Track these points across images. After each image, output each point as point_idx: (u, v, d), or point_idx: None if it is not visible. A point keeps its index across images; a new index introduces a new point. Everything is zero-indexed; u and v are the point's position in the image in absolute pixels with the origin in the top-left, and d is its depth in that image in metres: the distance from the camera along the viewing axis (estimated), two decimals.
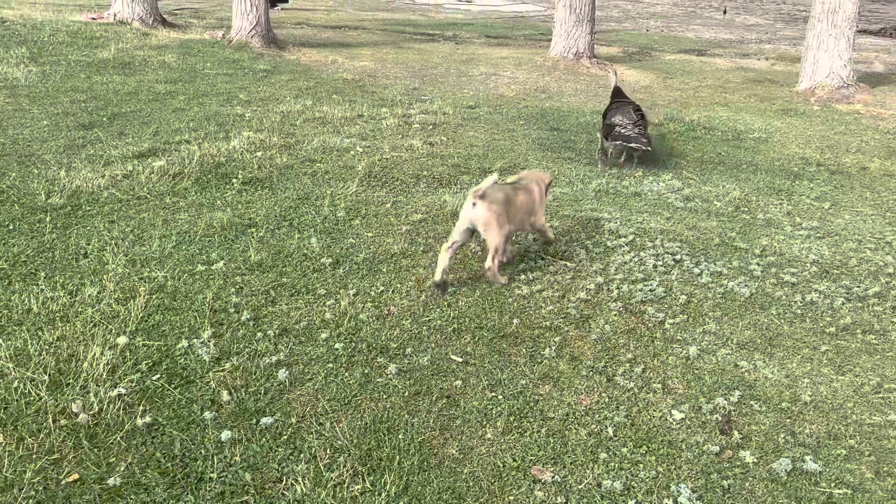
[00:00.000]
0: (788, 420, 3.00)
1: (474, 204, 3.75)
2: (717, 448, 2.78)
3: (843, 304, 4.01)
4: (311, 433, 2.75)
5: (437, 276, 3.84)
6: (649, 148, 6.29)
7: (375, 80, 9.84)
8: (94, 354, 3.09)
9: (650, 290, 4.02)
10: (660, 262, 4.37)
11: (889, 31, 20.65)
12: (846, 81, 10.43)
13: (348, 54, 11.83)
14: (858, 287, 4.23)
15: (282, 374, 3.06)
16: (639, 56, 13.59)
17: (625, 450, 2.75)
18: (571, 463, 2.68)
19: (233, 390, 2.96)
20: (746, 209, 5.49)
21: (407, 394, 3.02)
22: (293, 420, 2.81)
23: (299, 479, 2.51)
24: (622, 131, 6.30)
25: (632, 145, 6.27)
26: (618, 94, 6.82)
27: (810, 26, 10.60)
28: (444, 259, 3.84)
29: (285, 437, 2.71)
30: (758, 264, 4.43)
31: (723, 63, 13.55)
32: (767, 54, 15.09)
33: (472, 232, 3.88)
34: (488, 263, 3.90)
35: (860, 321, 3.84)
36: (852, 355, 3.52)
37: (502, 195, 3.84)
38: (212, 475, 2.52)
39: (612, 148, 6.53)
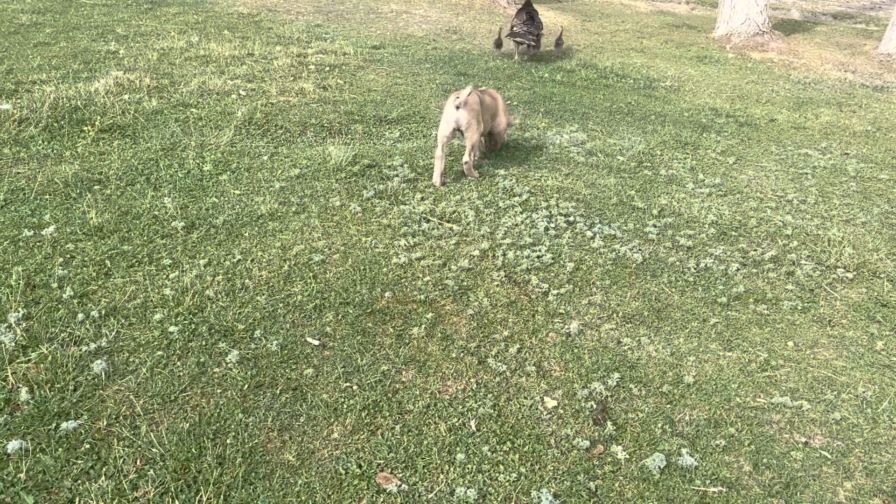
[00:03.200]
0: (668, 405, 2.77)
1: (458, 107, 4.27)
2: (588, 443, 2.52)
3: (738, 269, 3.81)
4: (122, 440, 2.34)
5: (437, 181, 4.44)
6: (532, 43, 8.04)
7: (275, 16, 9.11)
8: None
9: (538, 257, 3.71)
10: (552, 225, 4.07)
11: None
12: (762, 28, 10.30)
13: None
14: (755, 251, 4.04)
15: (98, 365, 2.62)
16: None
17: (486, 448, 2.46)
18: (424, 467, 2.37)
19: (35, 386, 2.51)
20: (650, 164, 5.23)
21: (246, 387, 2.63)
22: (102, 423, 2.39)
23: (95, 499, 2.11)
24: (514, 29, 8.13)
25: (517, 39, 8.02)
26: (528, 3, 8.31)
27: None
28: (439, 165, 4.42)
29: (88, 446, 2.30)
30: (654, 226, 4.18)
31: (643, 6, 13.25)
32: None
33: (456, 130, 4.40)
34: (466, 158, 4.50)
35: (753, 289, 3.65)
36: (742, 328, 3.32)
37: (478, 99, 4.44)
38: None
39: (506, 41, 8.28)
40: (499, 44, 8.26)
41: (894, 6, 10.08)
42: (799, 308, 3.52)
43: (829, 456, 2.59)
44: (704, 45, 10.18)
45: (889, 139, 6.52)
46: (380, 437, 2.47)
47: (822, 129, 6.64)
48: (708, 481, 2.43)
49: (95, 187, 4.01)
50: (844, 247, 4.18)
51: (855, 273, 3.90)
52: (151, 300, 3.05)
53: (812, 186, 5.14)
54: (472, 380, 2.80)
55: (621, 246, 3.91)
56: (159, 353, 2.75)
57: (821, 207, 4.78)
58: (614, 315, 3.31)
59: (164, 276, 3.23)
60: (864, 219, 4.64)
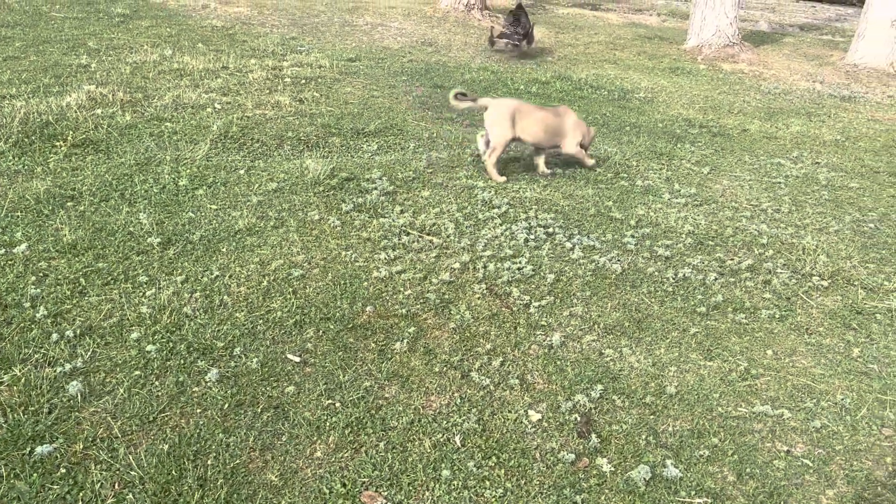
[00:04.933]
0: (652, 416, 2.77)
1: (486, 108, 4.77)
2: (573, 456, 2.51)
3: (716, 279, 3.85)
4: (99, 463, 2.28)
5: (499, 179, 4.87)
6: (516, 43, 9.13)
7: (249, 29, 9.07)
8: None
9: (518, 269, 3.72)
10: (531, 237, 4.08)
11: None
12: (732, 40, 10.47)
13: None
14: (732, 260, 4.08)
15: (73, 386, 2.56)
16: (533, 9, 13.24)
17: (472, 463, 2.44)
18: (409, 484, 2.34)
19: (8, 410, 2.45)
20: (626, 175, 5.27)
21: (227, 406, 2.59)
22: (78, 447, 2.34)
23: None
24: (503, 30, 9.26)
25: (503, 39, 9.14)
26: (519, 7, 9.37)
27: None
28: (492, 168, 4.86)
29: (64, 471, 2.24)
30: (632, 236, 4.21)
31: (615, 18, 13.41)
32: (659, 10, 15.10)
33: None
34: (485, 157, 4.85)
35: (731, 298, 3.68)
36: (721, 337, 3.35)
37: (511, 109, 4.76)
38: None
39: (497, 41, 9.26)
40: (492, 42, 9.34)
41: (859, 18, 10.31)
42: (777, 316, 3.56)
43: (811, 464, 2.61)
44: (676, 56, 10.32)
45: (858, 148, 6.65)
46: (364, 454, 2.44)
47: (793, 139, 6.75)
48: (693, 493, 2.43)
49: (68, 203, 3.94)
50: (819, 255, 4.24)
51: (830, 281, 3.96)
52: (128, 318, 2.99)
53: (785, 195, 5.21)
54: (455, 394, 2.79)
55: (600, 257, 3.93)
56: (137, 372, 2.69)
57: (794, 216, 4.85)
58: (595, 326, 3.32)
59: (141, 294, 3.17)
60: (837, 227, 4.72)
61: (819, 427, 2.80)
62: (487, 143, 4.86)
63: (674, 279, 3.80)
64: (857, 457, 2.67)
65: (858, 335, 3.48)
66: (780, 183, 5.47)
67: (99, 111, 5.36)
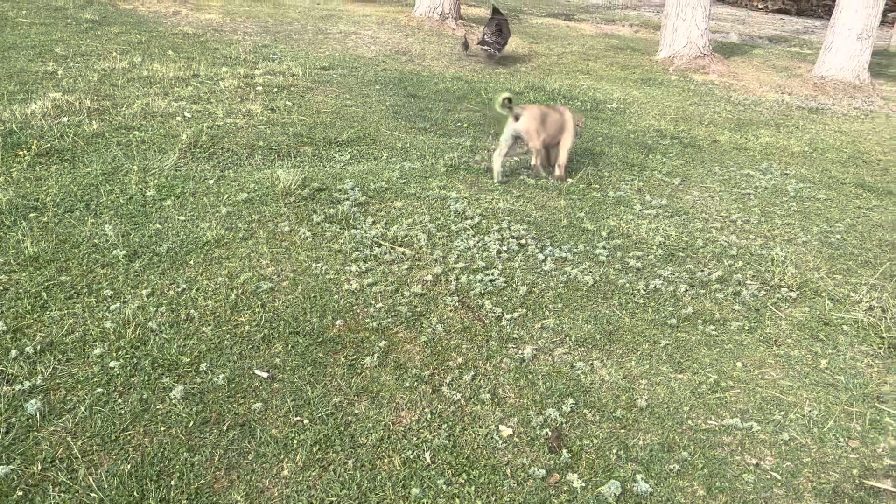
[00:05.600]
0: (623, 430, 2.77)
1: (517, 118, 4.89)
2: (544, 472, 2.50)
3: (686, 290, 3.87)
4: (58, 485, 2.22)
5: (497, 179, 5.05)
6: (491, 49, 9.32)
7: (220, 36, 8.98)
8: None
9: (490, 281, 3.70)
10: (504, 248, 4.07)
11: (744, 2, 21.55)
12: (703, 51, 10.61)
13: (194, 5, 10.80)
14: (702, 271, 4.11)
15: (32, 405, 2.49)
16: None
17: (441, 481, 2.42)
18: (378, 503, 2.31)
19: None
20: (598, 186, 5.30)
21: (192, 423, 2.54)
22: (37, 468, 2.27)
23: None
24: (484, 37, 9.40)
25: (483, 46, 9.35)
26: (496, 11, 9.52)
27: None
28: (497, 164, 5.06)
29: (21, 493, 2.17)
30: (604, 248, 4.22)
31: (588, 29, 13.53)
32: (632, 21, 15.26)
33: (517, 139, 4.99)
34: (533, 162, 5.19)
35: (701, 310, 3.70)
36: (692, 349, 3.36)
37: (539, 112, 4.97)
38: None
39: (475, 48, 9.61)
40: (466, 46, 9.70)
41: (826, 31, 10.51)
42: (746, 328, 3.58)
43: (780, 477, 2.62)
44: (648, 67, 10.42)
45: (825, 159, 6.76)
46: (332, 472, 2.41)
47: (762, 150, 6.84)
48: None
49: (31, 214, 3.85)
50: (787, 266, 4.28)
51: (798, 292, 4.00)
52: (91, 334, 2.92)
53: (755, 207, 5.27)
54: (426, 410, 2.76)
55: (572, 268, 3.93)
56: (99, 389, 2.63)
57: (764, 227, 4.90)
58: (567, 339, 3.32)
59: (105, 308, 3.10)
60: (805, 238, 4.78)
61: (787, 440, 2.82)
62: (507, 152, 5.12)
63: (645, 291, 3.81)
64: (824, 469, 2.69)
65: (826, 347, 3.51)
66: (749, 194, 5.53)
67: (65, 119, 5.26)
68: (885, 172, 6.52)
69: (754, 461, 2.69)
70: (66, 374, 2.69)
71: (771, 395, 3.10)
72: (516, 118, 4.89)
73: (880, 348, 3.53)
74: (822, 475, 2.66)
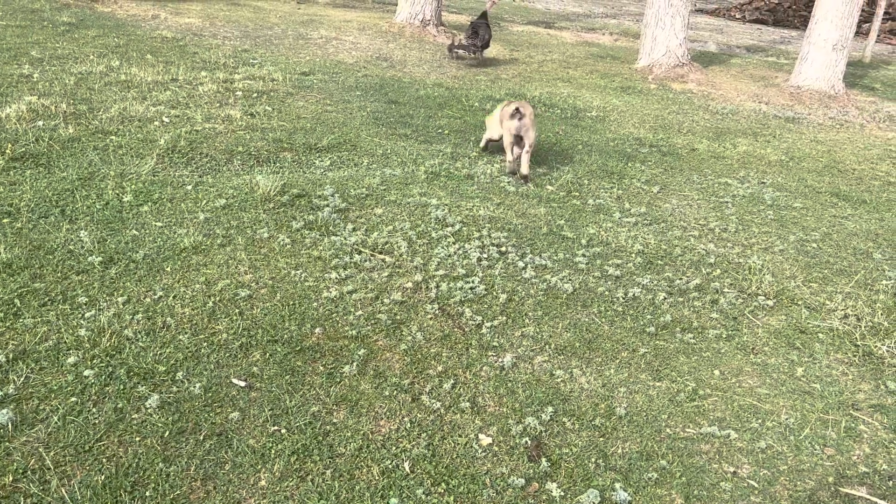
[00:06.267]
0: (602, 439, 2.77)
1: (521, 117, 5.16)
2: (523, 481, 2.50)
3: (665, 298, 3.89)
4: (30, 496, 2.18)
5: (514, 170, 5.44)
6: (468, 52, 9.79)
7: (200, 40, 8.92)
8: None
9: (471, 289, 3.70)
10: (484, 256, 4.07)
11: (722, 12, 21.83)
12: (681, 60, 10.71)
13: (174, 9, 10.72)
14: (680, 279, 4.14)
15: (3, 415, 2.44)
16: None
17: (420, 490, 2.40)
18: None
19: None
20: (578, 194, 5.32)
21: (167, 433, 2.50)
22: (7, 479, 2.22)
23: None
24: (462, 41, 9.86)
25: (459, 49, 9.81)
26: (483, 15, 9.75)
27: (649, 3, 10.77)
28: (510, 156, 5.39)
29: None
30: (583, 255, 4.24)
31: (569, 37, 13.61)
32: (612, 29, 15.38)
33: (520, 137, 5.26)
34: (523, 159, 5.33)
35: (680, 318, 3.73)
36: (670, 357, 3.38)
37: (532, 109, 5.27)
38: None
39: (457, 51, 9.91)
40: (451, 49, 9.96)
41: (803, 41, 10.66)
42: (723, 336, 3.61)
43: (757, 485, 2.64)
44: (628, 75, 10.50)
45: (801, 168, 6.84)
46: (310, 483, 2.38)
47: (739, 159, 6.92)
48: None
49: (4, 220, 3.79)
50: (764, 274, 4.33)
51: (775, 300, 4.04)
52: (65, 342, 2.88)
53: (732, 215, 5.32)
54: (405, 418, 2.75)
55: (552, 276, 3.94)
56: (72, 399, 2.59)
57: (741, 236, 4.95)
58: (547, 347, 3.32)
59: (80, 316, 3.06)
60: (782, 246, 4.83)
61: (764, 447, 2.84)
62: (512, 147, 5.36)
63: (623, 299, 3.83)
64: (800, 477, 2.71)
65: (802, 354, 3.55)
66: (727, 202, 5.59)
67: (40, 123, 5.19)
68: (860, 182, 6.62)
69: (732, 469, 2.71)
70: (38, 383, 2.64)
71: (748, 402, 3.12)
72: (520, 118, 5.19)
73: (855, 356, 3.57)
74: (799, 483, 2.68)
